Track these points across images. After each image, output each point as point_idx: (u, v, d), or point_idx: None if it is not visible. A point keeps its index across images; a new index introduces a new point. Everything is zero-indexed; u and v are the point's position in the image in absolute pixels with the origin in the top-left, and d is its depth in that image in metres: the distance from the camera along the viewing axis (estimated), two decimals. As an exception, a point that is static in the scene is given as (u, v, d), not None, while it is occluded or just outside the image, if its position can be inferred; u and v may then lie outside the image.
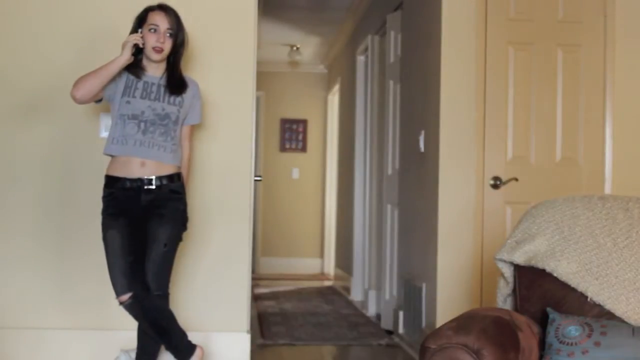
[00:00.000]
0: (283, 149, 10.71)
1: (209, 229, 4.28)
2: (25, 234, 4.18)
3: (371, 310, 6.85)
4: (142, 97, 3.55)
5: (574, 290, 2.74)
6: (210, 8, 4.33)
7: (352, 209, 7.81)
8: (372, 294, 6.93)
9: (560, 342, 2.53)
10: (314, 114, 10.73)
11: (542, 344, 2.64)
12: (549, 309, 2.70)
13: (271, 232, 10.62)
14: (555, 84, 4.55)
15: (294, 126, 10.74)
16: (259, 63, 4.78)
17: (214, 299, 4.28)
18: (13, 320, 4.18)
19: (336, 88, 9.68)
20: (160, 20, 3.55)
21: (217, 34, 4.33)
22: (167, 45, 3.57)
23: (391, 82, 6.07)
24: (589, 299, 2.71)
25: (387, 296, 5.99)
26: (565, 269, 2.75)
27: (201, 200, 4.27)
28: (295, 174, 10.71)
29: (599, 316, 2.67)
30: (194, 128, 3.84)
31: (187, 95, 3.65)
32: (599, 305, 2.69)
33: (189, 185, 4.25)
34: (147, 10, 3.60)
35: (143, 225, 3.54)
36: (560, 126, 4.55)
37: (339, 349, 5.47)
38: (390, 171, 6.10)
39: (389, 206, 6.08)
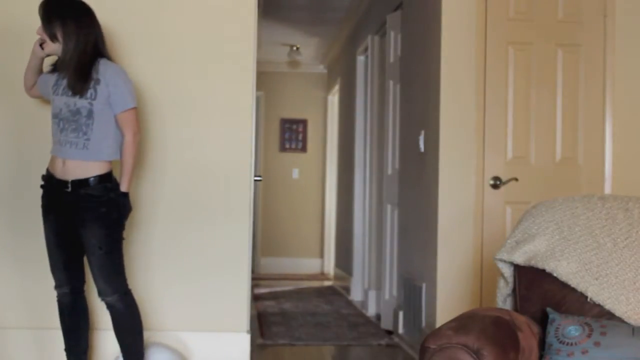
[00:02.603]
0: (283, 149, 10.71)
1: (209, 229, 4.28)
2: (25, 233, 4.18)
3: (371, 310, 6.85)
4: (61, 94, 3.56)
5: (574, 290, 2.74)
6: (211, 8, 4.33)
7: (352, 209, 7.81)
8: (372, 294, 6.93)
9: (560, 342, 2.53)
10: (314, 114, 10.73)
11: (542, 344, 2.64)
12: (548, 309, 2.70)
13: (271, 232, 10.62)
14: (555, 84, 4.55)
15: (294, 126, 10.74)
16: (259, 63, 4.78)
17: (214, 299, 4.28)
18: (13, 320, 4.18)
19: (336, 88, 9.68)
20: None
21: (217, 34, 4.33)
22: (46, 38, 3.54)
23: (391, 82, 6.07)
24: (588, 299, 2.71)
25: (387, 296, 5.99)
26: (565, 269, 2.75)
27: (201, 200, 4.27)
28: (295, 174, 10.71)
29: (599, 316, 2.67)
30: (131, 113, 3.57)
31: (101, 85, 3.51)
32: (599, 305, 2.69)
33: (187, 185, 4.25)
34: None
35: (72, 224, 3.56)
36: (560, 126, 4.55)
37: (339, 349, 5.47)
38: (390, 171, 6.09)
39: (389, 206, 6.07)
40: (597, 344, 2.49)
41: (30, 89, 3.82)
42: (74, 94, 3.50)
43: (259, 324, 6.20)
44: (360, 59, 7.73)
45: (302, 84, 10.75)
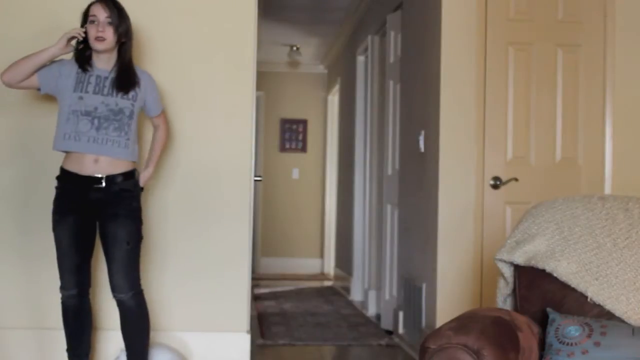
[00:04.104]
0: (283, 149, 10.71)
1: (209, 229, 4.28)
2: (26, 232, 4.18)
3: (371, 310, 6.85)
4: (94, 93, 3.57)
5: (574, 290, 2.74)
6: (210, 8, 4.33)
7: (352, 209, 7.81)
8: (372, 294, 6.93)
9: (560, 342, 2.53)
10: (314, 114, 10.73)
11: (542, 344, 2.64)
12: (549, 309, 2.70)
13: (271, 232, 10.61)
14: (555, 84, 4.55)
15: (294, 126, 10.74)
16: (259, 63, 4.78)
17: (214, 299, 4.28)
18: (13, 320, 4.18)
19: (336, 88, 9.68)
20: (98, 11, 3.57)
21: (217, 34, 4.33)
22: (109, 35, 3.56)
23: (391, 82, 6.07)
24: (589, 299, 2.71)
25: (387, 296, 5.99)
26: (565, 269, 2.75)
27: (201, 200, 4.27)
28: (295, 174, 10.71)
29: (599, 316, 2.67)
30: (164, 114, 3.88)
31: (142, 87, 3.65)
32: (599, 305, 2.69)
33: (187, 185, 4.25)
34: (89, 5, 3.64)
35: (94, 223, 3.60)
36: (560, 126, 4.55)
37: (339, 349, 5.47)
38: (390, 171, 6.09)
39: (389, 206, 6.07)
40: (597, 344, 2.49)
41: (20, 81, 3.60)
42: (120, 92, 3.57)
43: (259, 324, 6.20)
44: (360, 59, 7.73)
45: (302, 84, 10.75)
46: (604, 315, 2.67)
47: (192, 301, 4.26)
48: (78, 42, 3.61)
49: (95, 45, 3.56)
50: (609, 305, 2.68)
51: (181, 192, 4.28)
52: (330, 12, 8.19)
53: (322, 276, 10.37)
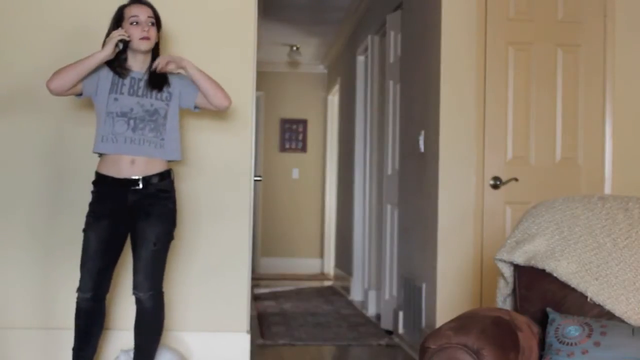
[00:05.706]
0: (283, 149, 10.71)
1: (209, 229, 4.28)
2: (24, 233, 4.18)
3: (371, 310, 6.86)
4: (129, 94, 3.56)
5: (574, 290, 2.74)
6: (210, 8, 4.33)
7: (352, 209, 7.81)
8: (372, 294, 6.93)
9: (560, 342, 2.53)
10: (314, 114, 10.73)
11: (542, 344, 2.64)
12: (548, 309, 2.70)
13: (271, 232, 10.62)
14: (555, 84, 4.55)
15: (294, 126, 10.74)
16: (259, 63, 4.78)
17: (214, 299, 4.28)
18: (14, 321, 4.18)
19: (336, 88, 9.68)
20: (139, 11, 3.57)
21: (217, 34, 4.33)
22: (153, 34, 3.58)
23: (391, 82, 6.07)
24: (588, 299, 2.71)
25: (387, 296, 5.99)
26: (565, 269, 2.76)
27: (201, 200, 4.27)
28: (295, 174, 10.71)
29: (599, 316, 2.67)
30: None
31: (174, 86, 3.64)
32: (599, 305, 2.69)
33: (187, 185, 4.25)
34: (122, 8, 3.63)
35: (128, 225, 3.57)
36: (560, 126, 4.56)
37: (339, 349, 5.47)
38: (390, 171, 6.10)
39: (389, 206, 6.08)
40: (597, 344, 2.49)
41: (69, 89, 3.55)
42: (154, 90, 3.57)
43: (259, 324, 6.20)
44: (360, 59, 7.73)
45: (302, 84, 10.75)
46: (604, 315, 2.67)
47: (191, 301, 4.26)
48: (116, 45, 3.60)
49: (141, 45, 3.56)
50: (609, 305, 2.68)
51: (181, 192, 4.27)
52: (330, 12, 8.20)
53: (322, 276, 10.37)
